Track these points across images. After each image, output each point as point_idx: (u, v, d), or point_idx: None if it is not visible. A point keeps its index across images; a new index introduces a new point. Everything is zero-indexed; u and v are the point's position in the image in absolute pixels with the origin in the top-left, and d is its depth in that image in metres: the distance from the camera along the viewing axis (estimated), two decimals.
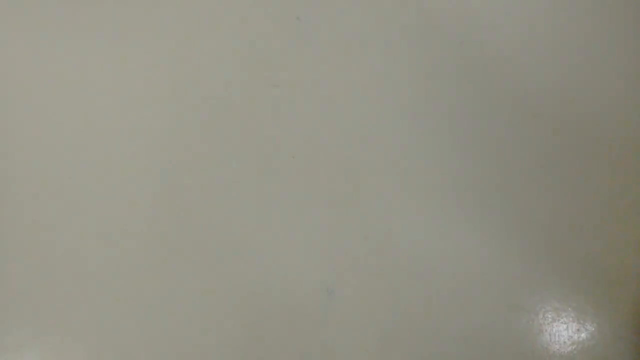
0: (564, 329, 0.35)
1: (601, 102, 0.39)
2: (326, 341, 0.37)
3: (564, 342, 0.35)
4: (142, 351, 0.36)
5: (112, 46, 0.39)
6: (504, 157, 0.38)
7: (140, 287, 0.36)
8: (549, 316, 0.36)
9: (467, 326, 0.37)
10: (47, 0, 0.40)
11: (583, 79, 0.39)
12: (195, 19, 0.39)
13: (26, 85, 0.41)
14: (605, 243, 0.37)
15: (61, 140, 0.40)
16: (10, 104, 0.41)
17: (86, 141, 0.40)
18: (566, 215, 0.37)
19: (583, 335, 0.36)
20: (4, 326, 0.36)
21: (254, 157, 0.37)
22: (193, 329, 0.36)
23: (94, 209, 0.39)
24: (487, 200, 0.38)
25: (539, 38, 0.40)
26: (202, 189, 0.37)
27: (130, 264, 0.36)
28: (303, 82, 0.38)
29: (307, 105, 0.38)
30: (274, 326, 0.37)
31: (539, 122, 0.39)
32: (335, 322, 0.37)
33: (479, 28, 0.40)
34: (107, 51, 0.40)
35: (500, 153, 0.39)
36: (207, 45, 0.38)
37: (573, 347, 0.35)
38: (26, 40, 0.41)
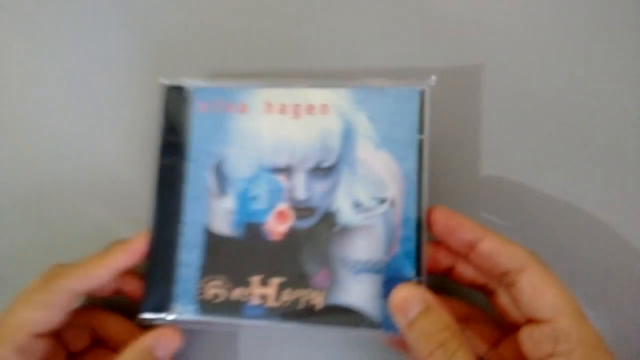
0: None
1: (602, 105, 0.39)
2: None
3: None
4: None
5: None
6: (506, 159, 0.39)
7: None
8: None
9: None
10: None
11: (584, 80, 0.39)
12: None
13: (25, 81, 0.42)
14: (605, 243, 0.37)
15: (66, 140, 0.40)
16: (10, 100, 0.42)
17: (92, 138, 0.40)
18: (567, 215, 0.37)
19: None
20: None
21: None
22: None
23: (99, 206, 0.40)
24: (488, 201, 0.38)
25: (543, 40, 0.40)
26: None
27: None
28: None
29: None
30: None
31: (540, 124, 0.39)
32: None
33: (480, 30, 0.40)
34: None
35: (502, 155, 0.39)
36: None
37: None
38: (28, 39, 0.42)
